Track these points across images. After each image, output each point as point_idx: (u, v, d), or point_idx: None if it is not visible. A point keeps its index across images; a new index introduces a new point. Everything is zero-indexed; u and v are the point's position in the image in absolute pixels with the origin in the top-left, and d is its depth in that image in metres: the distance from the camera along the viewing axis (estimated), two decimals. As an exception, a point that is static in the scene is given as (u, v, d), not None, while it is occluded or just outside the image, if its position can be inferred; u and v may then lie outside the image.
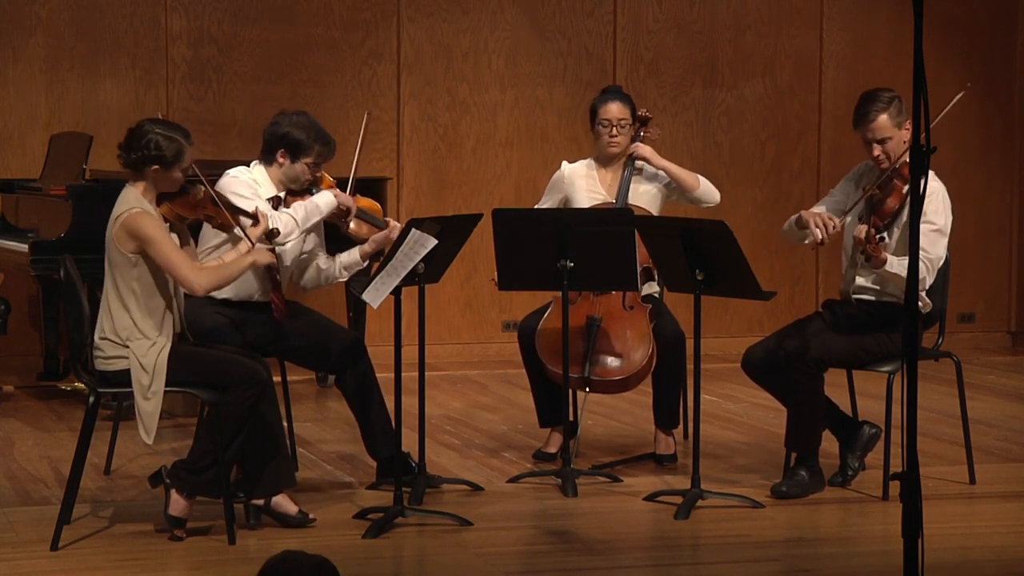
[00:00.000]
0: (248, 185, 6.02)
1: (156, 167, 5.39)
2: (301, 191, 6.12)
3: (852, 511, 6.01)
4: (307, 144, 6.05)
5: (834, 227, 5.94)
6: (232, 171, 6.12)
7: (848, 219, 6.05)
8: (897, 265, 5.83)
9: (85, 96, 9.01)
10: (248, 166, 6.16)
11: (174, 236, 5.49)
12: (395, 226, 6.14)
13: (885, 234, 5.89)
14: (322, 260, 6.19)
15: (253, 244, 5.59)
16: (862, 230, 5.78)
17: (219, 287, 5.58)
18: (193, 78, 9.15)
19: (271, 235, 5.77)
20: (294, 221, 5.94)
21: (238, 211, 5.69)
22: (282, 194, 6.09)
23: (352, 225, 6.18)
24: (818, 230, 5.92)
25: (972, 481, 6.32)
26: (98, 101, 8.97)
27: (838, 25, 10.08)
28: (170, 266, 5.34)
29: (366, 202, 6.31)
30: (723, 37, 9.93)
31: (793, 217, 6.15)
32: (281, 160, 6.08)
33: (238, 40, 9.23)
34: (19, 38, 8.94)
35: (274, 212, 5.92)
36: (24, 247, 7.75)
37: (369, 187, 8.20)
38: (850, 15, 10.09)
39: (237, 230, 5.60)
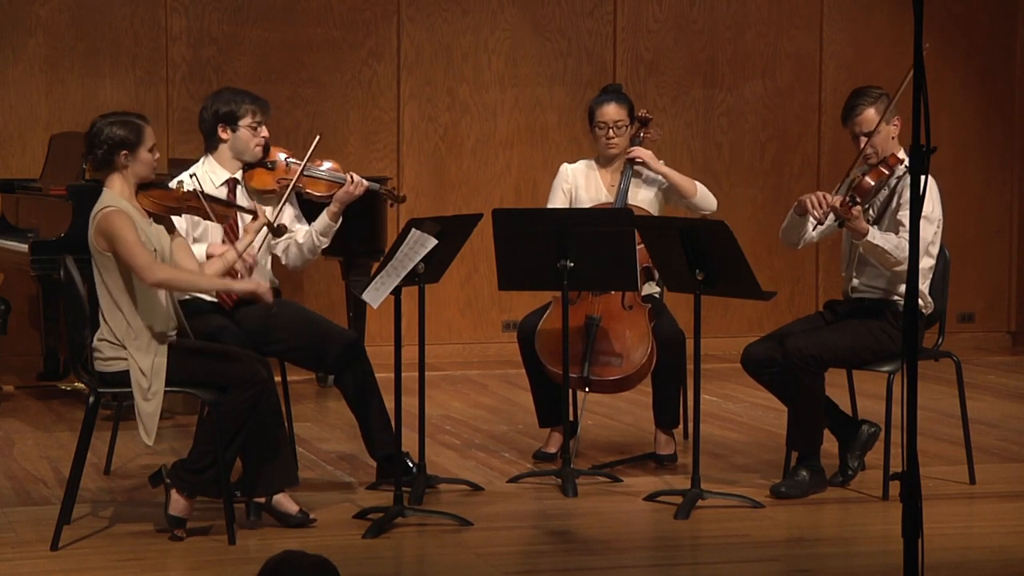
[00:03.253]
0: None
1: (124, 152, 5.38)
2: (258, 164, 6.14)
3: (852, 511, 6.01)
4: (237, 107, 6.09)
5: (828, 204, 5.96)
6: (171, 182, 5.98)
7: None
8: (880, 238, 5.91)
9: (85, 96, 9.01)
10: (198, 164, 6.16)
11: (158, 228, 5.47)
12: (352, 180, 6.13)
13: (859, 201, 5.95)
14: (300, 235, 6.17)
15: (245, 240, 5.60)
16: (837, 199, 5.91)
17: (172, 288, 5.49)
18: (193, 78, 9.15)
19: (277, 231, 5.77)
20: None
21: (232, 206, 5.69)
22: (238, 174, 6.11)
23: (315, 191, 6.19)
24: (813, 209, 5.98)
25: (972, 481, 6.32)
26: (98, 101, 8.95)
27: (838, 25, 10.08)
28: (129, 257, 5.29)
29: (326, 161, 6.30)
30: (723, 37, 9.93)
31: (791, 209, 6.18)
32: (224, 136, 6.11)
33: (238, 40, 9.23)
34: (19, 38, 8.94)
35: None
36: (24, 247, 7.75)
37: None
38: (850, 15, 10.10)
39: (239, 223, 5.61)
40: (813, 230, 6.16)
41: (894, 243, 5.91)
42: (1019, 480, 6.48)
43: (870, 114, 6.08)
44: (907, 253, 5.88)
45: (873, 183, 5.99)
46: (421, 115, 9.54)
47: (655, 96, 9.79)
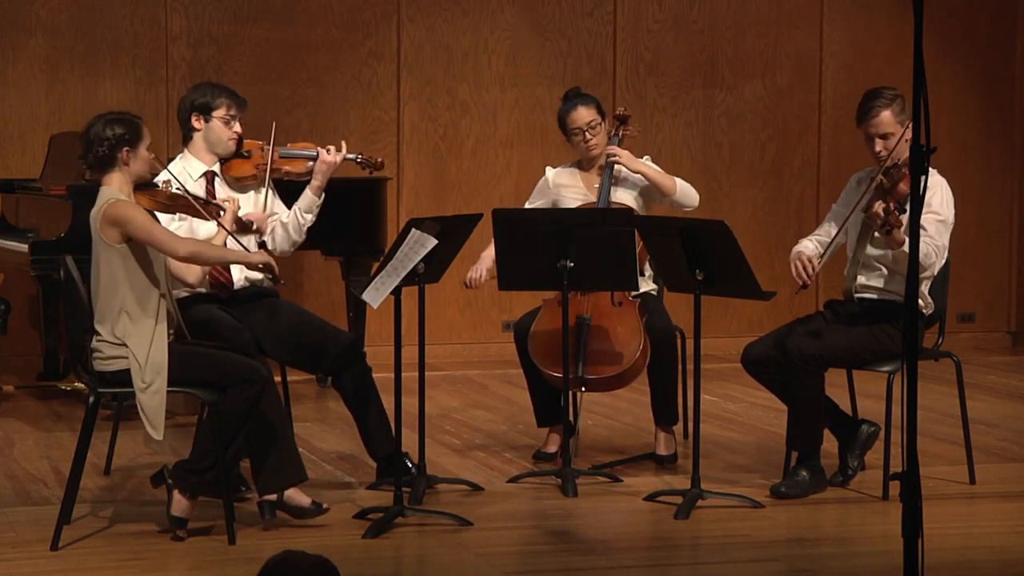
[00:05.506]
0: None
1: (126, 149, 5.40)
2: (233, 156, 6.15)
3: (852, 511, 6.01)
4: (212, 98, 6.13)
5: (813, 269, 6.05)
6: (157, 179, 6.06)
7: (847, 228, 6.14)
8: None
9: (85, 96, 9.02)
10: (176, 160, 6.20)
11: None
12: (329, 150, 6.16)
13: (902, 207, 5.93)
14: (283, 216, 6.19)
15: (228, 232, 5.61)
16: (880, 206, 5.81)
17: (200, 259, 5.56)
18: (193, 78, 9.13)
19: (244, 228, 5.77)
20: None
21: (209, 204, 5.71)
22: (216, 167, 6.13)
23: (294, 170, 6.23)
24: (798, 278, 6.06)
25: (972, 481, 6.32)
26: (98, 101, 8.95)
27: (838, 25, 10.08)
28: (149, 235, 5.32)
29: (298, 145, 6.32)
30: (723, 37, 9.93)
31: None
32: (197, 125, 6.15)
33: (238, 40, 9.23)
34: (19, 38, 8.94)
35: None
36: (24, 247, 7.75)
37: (369, 187, 8.22)
38: (850, 15, 10.10)
39: (221, 221, 5.63)
40: (797, 291, 6.18)
41: (923, 251, 5.87)
42: (1019, 480, 6.48)
43: (886, 116, 6.07)
44: (932, 260, 5.94)
45: (908, 189, 5.94)
46: (421, 115, 9.54)
47: (655, 96, 9.79)
